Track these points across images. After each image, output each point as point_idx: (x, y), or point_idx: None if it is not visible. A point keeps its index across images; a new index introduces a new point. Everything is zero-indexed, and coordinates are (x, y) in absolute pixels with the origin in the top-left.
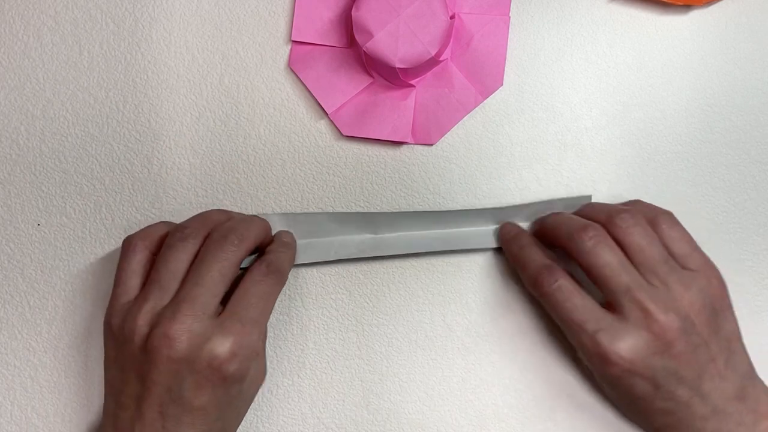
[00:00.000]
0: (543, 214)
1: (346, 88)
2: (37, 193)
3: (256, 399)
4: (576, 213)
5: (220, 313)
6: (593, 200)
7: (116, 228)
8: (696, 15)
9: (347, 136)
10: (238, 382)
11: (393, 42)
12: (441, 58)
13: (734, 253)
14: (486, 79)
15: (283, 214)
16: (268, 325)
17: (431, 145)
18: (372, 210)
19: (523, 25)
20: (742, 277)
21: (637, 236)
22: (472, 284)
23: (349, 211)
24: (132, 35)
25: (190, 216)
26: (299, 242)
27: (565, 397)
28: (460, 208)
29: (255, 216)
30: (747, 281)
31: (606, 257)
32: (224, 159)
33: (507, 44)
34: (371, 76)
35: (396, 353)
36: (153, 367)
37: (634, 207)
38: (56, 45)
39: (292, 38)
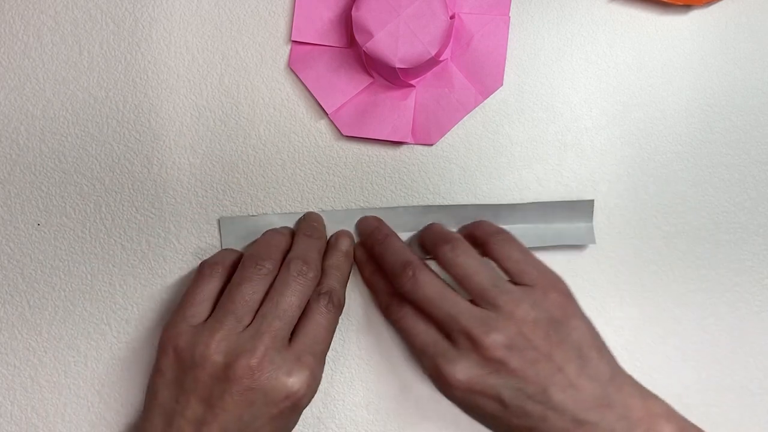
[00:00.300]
0: (542, 217)
1: (346, 88)
2: (37, 193)
3: None
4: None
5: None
6: (594, 201)
7: (116, 228)
8: (696, 15)
9: (347, 136)
10: (300, 412)
11: (393, 42)
12: (441, 58)
13: (734, 253)
14: (486, 79)
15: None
16: None
17: (431, 145)
18: (370, 210)
19: (523, 25)
20: (742, 277)
21: (462, 266)
22: None
23: (348, 208)
24: (132, 35)
25: (191, 216)
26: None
27: None
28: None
29: (315, 223)
30: (747, 281)
31: (426, 292)
32: (224, 159)
33: (507, 44)
34: (371, 76)
35: (395, 352)
36: (228, 395)
37: (471, 229)
38: (56, 45)
39: (292, 38)
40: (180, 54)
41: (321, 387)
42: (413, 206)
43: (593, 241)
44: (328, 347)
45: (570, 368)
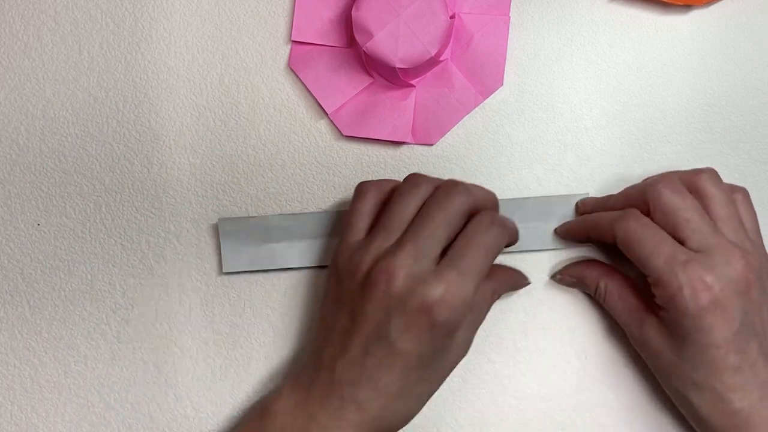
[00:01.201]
0: (540, 211)
1: (346, 88)
2: (37, 193)
3: (255, 398)
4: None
5: (438, 263)
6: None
7: (116, 228)
8: (696, 15)
9: (347, 136)
10: (446, 335)
11: (393, 42)
12: (441, 58)
13: None
14: (486, 79)
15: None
16: (268, 325)
17: (431, 145)
18: None
19: (523, 25)
20: None
21: (719, 197)
22: None
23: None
24: (132, 35)
25: (191, 216)
26: (301, 243)
27: (564, 397)
28: None
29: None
30: None
31: (687, 201)
32: (224, 159)
33: (507, 44)
34: (371, 76)
35: None
36: (367, 301)
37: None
38: (56, 45)
39: (292, 38)
40: (180, 54)
41: None
42: None
43: None
44: (486, 268)
45: None
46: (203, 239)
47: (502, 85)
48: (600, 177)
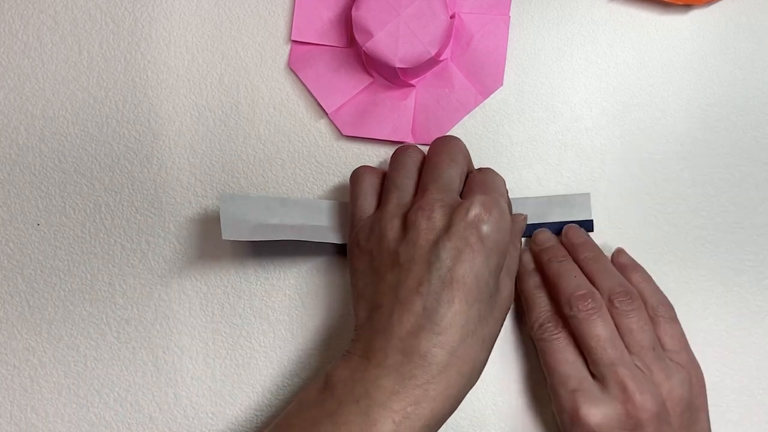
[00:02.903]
0: (541, 211)
1: (346, 87)
2: (37, 193)
3: (255, 398)
4: (584, 269)
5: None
6: (591, 199)
7: (116, 228)
8: (696, 15)
9: (347, 136)
10: (496, 252)
11: (393, 42)
12: (441, 58)
13: (734, 253)
14: (486, 79)
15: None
16: (268, 326)
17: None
18: None
19: (523, 25)
20: (742, 277)
21: (632, 321)
22: None
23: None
24: (132, 35)
25: (191, 216)
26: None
27: None
28: None
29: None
30: (747, 281)
31: (598, 330)
32: (224, 159)
33: (507, 44)
34: (371, 75)
35: None
36: (412, 244)
37: (643, 285)
38: (56, 45)
39: (292, 38)
40: (180, 54)
41: None
42: None
43: (591, 229)
44: (503, 191)
45: None
46: (203, 239)
47: (502, 85)
48: (600, 177)
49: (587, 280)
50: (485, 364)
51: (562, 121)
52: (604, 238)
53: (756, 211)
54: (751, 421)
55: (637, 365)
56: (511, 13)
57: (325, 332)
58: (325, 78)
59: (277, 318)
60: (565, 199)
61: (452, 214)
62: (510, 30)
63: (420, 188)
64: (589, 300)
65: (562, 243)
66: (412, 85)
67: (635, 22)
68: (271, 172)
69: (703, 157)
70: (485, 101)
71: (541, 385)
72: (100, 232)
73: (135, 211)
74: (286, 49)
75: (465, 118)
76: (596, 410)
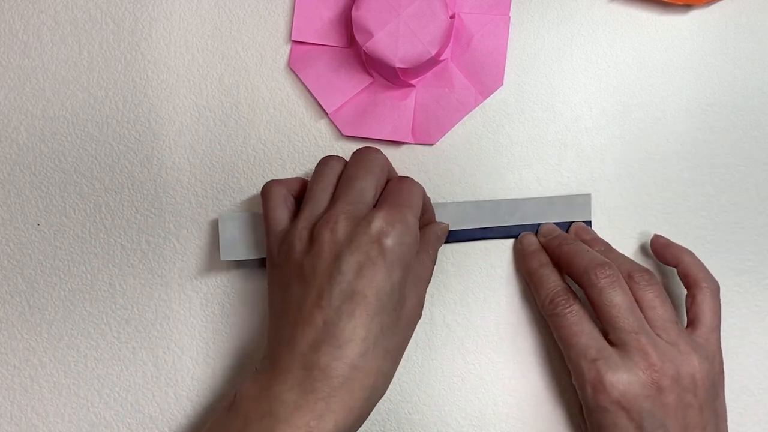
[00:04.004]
0: (541, 212)
1: (346, 87)
2: (37, 193)
3: None
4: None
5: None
6: (592, 199)
7: (116, 228)
8: (696, 15)
9: (347, 136)
10: (398, 266)
11: (393, 42)
12: (441, 58)
13: (734, 253)
14: (486, 79)
15: None
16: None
17: (431, 144)
18: None
19: (523, 25)
20: (742, 277)
21: (654, 296)
22: (473, 284)
23: None
24: (132, 35)
25: (191, 216)
26: None
27: (565, 397)
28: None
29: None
30: (747, 281)
31: (618, 298)
32: (224, 159)
33: (507, 44)
34: (371, 75)
35: None
36: (316, 257)
37: (690, 259)
38: (56, 45)
39: (292, 38)
40: (180, 54)
41: None
42: None
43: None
44: (417, 205)
45: (709, 429)
46: (203, 239)
47: (502, 85)
48: (600, 177)
49: (605, 258)
50: (392, 375)
51: (562, 121)
52: (604, 238)
53: (756, 211)
54: (751, 421)
55: (661, 337)
56: (511, 13)
57: None
58: (325, 78)
59: None
60: (565, 200)
61: (356, 227)
62: (510, 30)
63: (332, 200)
64: (608, 268)
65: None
66: (412, 85)
67: (635, 22)
68: (271, 172)
69: (703, 157)
70: (485, 101)
71: (541, 384)
72: (100, 232)
73: (135, 211)
74: (286, 49)
75: (465, 118)
76: (618, 376)
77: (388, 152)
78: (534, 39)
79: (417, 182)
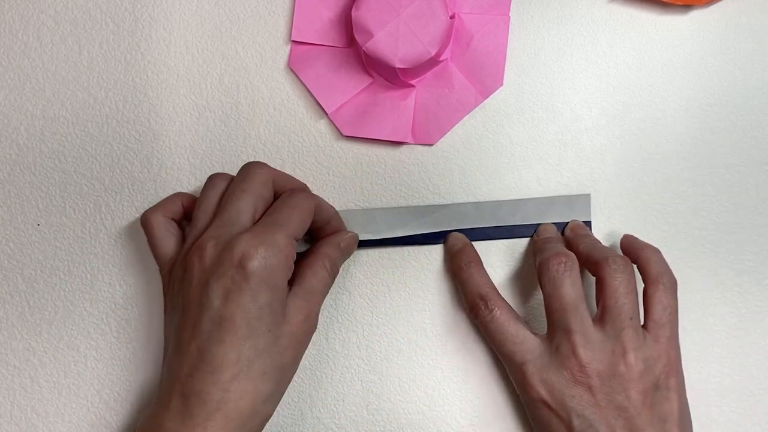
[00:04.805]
0: (541, 212)
1: (346, 88)
2: (37, 193)
3: None
4: (582, 253)
5: None
6: (592, 199)
7: (116, 228)
8: (696, 15)
9: (347, 136)
10: (265, 288)
11: (393, 42)
12: (441, 58)
13: (734, 253)
14: (486, 79)
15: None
16: None
17: (431, 145)
18: (371, 210)
19: (523, 25)
20: (742, 277)
21: (620, 284)
22: None
23: (348, 208)
24: (132, 35)
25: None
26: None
27: None
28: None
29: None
30: (747, 281)
31: (563, 290)
32: (224, 159)
33: (507, 44)
34: (371, 76)
35: (396, 353)
36: (187, 286)
37: (653, 258)
38: (56, 45)
39: (292, 38)
40: (180, 54)
41: (321, 387)
42: (413, 206)
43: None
44: (295, 223)
45: None
46: None
47: (502, 85)
48: (600, 177)
49: (567, 250)
50: (277, 395)
51: (562, 121)
52: (604, 238)
53: (756, 211)
54: (751, 421)
55: (605, 332)
56: (511, 13)
57: (323, 332)
58: (325, 78)
59: None
60: (565, 200)
61: (224, 251)
62: (510, 30)
63: (210, 221)
64: (561, 257)
65: (564, 235)
66: (412, 85)
67: (635, 22)
68: None
69: (703, 157)
70: (485, 101)
71: None
72: (100, 232)
73: (135, 211)
74: (286, 49)
75: (465, 118)
76: (546, 377)
77: (388, 152)
78: (534, 39)
79: (305, 196)
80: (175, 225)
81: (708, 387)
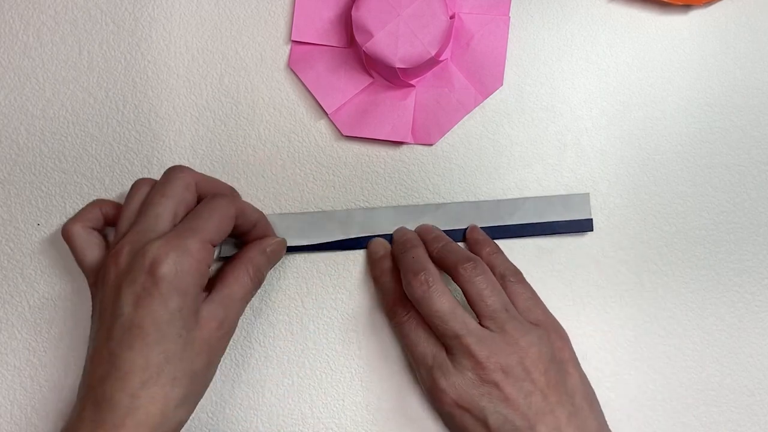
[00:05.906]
0: (541, 211)
1: (346, 88)
2: (37, 193)
3: (255, 398)
4: (436, 257)
5: None
6: (591, 198)
7: None
8: (696, 15)
9: (347, 136)
10: (176, 294)
11: (393, 42)
12: (441, 58)
13: (734, 253)
14: (486, 79)
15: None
16: (268, 325)
17: (431, 145)
18: (370, 210)
19: (523, 25)
20: (742, 277)
21: (481, 286)
22: None
23: (348, 208)
24: (132, 35)
25: None
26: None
27: None
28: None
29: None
30: (747, 281)
31: (436, 306)
32: (224, 159)
33: (507, 44)
34: (371, 76)
35: (395, 353)
36: (102, 293)
37: (493, 257)
38: (56, 45)
39: (292, 38)
40: (180, 54)
41: (321, 387)
42: (413, 206)
43: (591, 229)
44: (210, 228)
45: (561, 413)
46: None
47: (502, 85)
48: (600, 177)
49: (427, 258)
50: (189, 400)
51: (562, 121)
52: (604, 238)
53: (756, 211)
54: (751, 421)
55: (490, 329)
56: (511, 13)
57: (323, 332)
58: (325, 78)
59: (276, 318)
60: (564, 200)
61: (137, 256)
62: (510, 30)
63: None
64: (421, 275)
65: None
66: (412, 85)
67: (635, 22)
68: (271, 172)
69: (703, 157)
70: (485, 101)
71: None
72: None
73: None
74: (286, 49)
75: (465, 118)
76: (451, 382)
77: (388, 152)
78: (534, 39)
79: (226, 200)
80: (96, 234)
81: (708, 387)
